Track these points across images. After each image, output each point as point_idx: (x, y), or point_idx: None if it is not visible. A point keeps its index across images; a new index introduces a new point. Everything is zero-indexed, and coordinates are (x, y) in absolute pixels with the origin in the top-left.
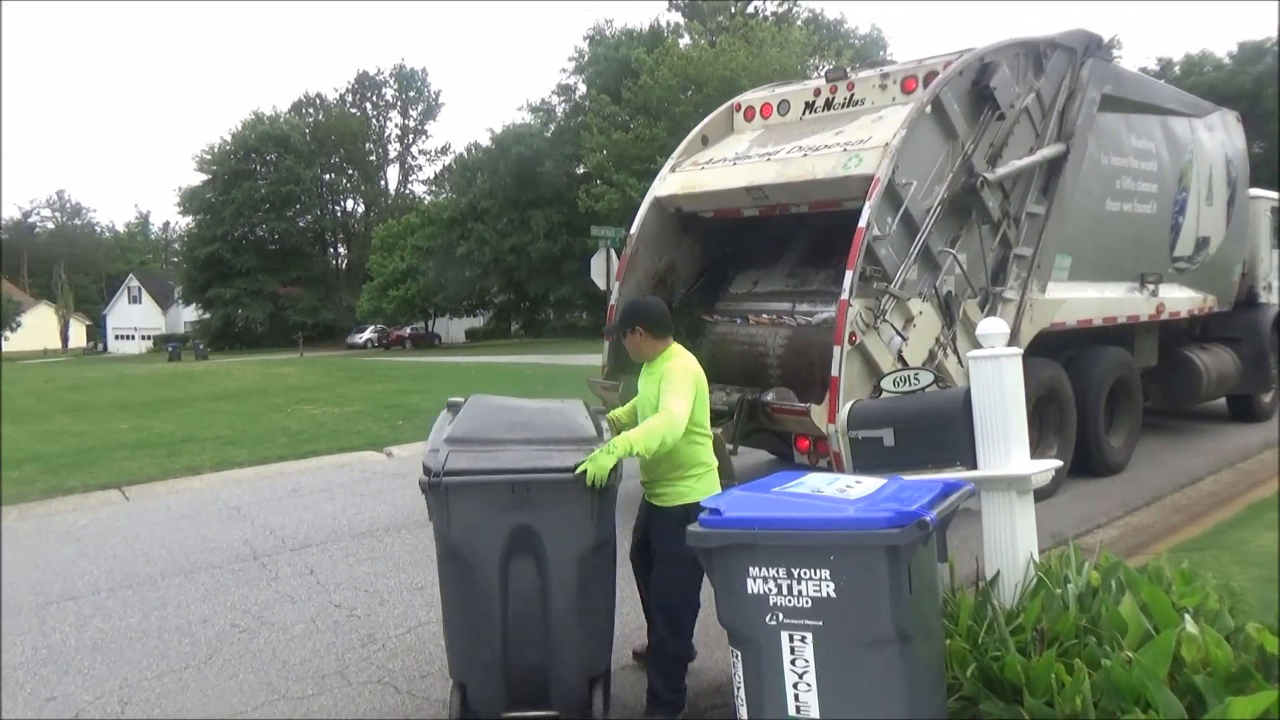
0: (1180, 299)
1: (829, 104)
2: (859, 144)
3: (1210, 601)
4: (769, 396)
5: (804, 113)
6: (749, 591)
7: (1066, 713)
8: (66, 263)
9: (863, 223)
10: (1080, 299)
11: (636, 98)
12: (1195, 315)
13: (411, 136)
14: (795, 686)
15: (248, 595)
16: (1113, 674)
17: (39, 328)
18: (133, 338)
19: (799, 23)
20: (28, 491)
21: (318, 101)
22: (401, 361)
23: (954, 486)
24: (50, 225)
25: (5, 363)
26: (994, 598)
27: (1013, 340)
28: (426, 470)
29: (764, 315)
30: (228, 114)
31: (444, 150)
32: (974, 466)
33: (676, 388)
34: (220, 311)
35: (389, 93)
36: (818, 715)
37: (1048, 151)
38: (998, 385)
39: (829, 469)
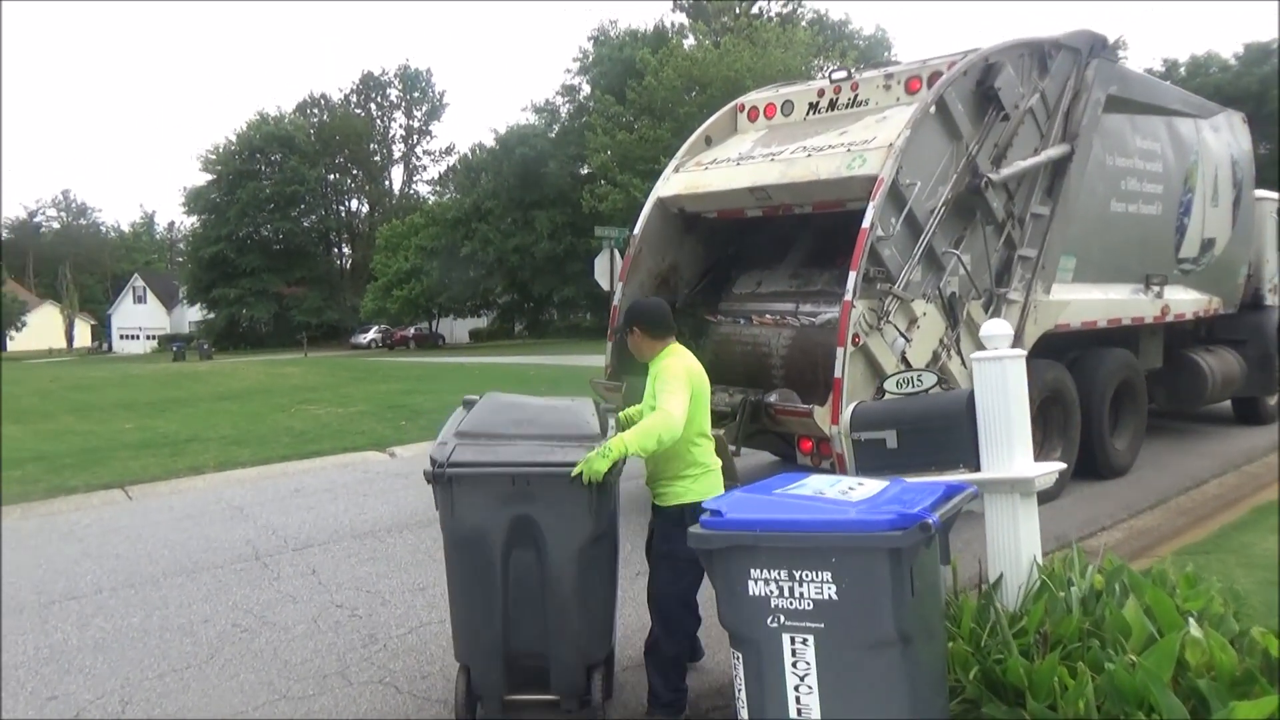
0: (1185, 301)
1: (833, 104)
2: (863, 144)
3: (1215, 605)
4: (772, 398)
5: (808, 113)
6: (750, 593)
7: (1069, 716)
8: (72, 262)
9: (866, 223)
10: (1085, 300)
11: (641, 98)
12: (1200, 317)
13: (416, 137)
14: (796, 689)
15: (250, 595)
16: (1116, 677)
17: (44, 327)
18: (137, 337)
19: (804, 23)
20: (31, 491)
21: (322, 102)
22: (405, 362)
23: (957, 489)
24: (56, 225)
25: (12, 363)
26: (997, 600)
27: (1017, 342)
28: (433, 461)
29: (767, 316)
30: (233, 114)
31: (448, 151)
32: (977, 469)
33: (670, 386)
34: (225, 311)
35: (393, 93)
36: (819, 717)
37: (1052, 152)
38: (1001, 387)
39: (832, 471)
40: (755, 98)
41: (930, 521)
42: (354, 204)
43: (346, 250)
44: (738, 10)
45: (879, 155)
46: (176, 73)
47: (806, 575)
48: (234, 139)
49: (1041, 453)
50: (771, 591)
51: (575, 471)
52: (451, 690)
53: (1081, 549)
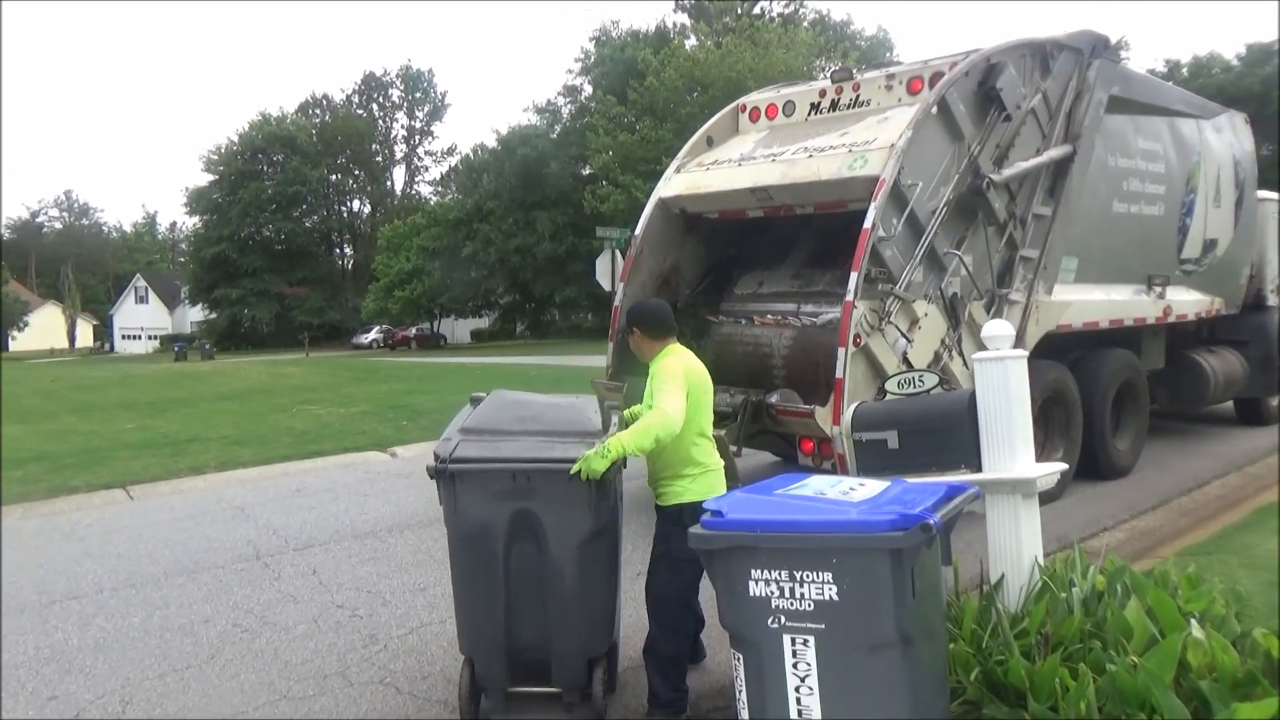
0: (1187, 301)
1: (834, 105)
2: (864, 145)
3: (1217, 606)
4: (773, 398)
5: (809, 114)
6: (751, 594)
7: (1071, 717)
8: (74, 263)
9: (868, 224)
10: (1086, 301)
11: (642, 99)
12: (1203, 318)
13: (418, 137)
14: (797, 690)
15: (250, 595)
16: (1118, 679)
17: (46, 327)
18: (139, 338)
19: (805, 24)
20: (32, 490)
21: (324, 102)
22: (406, 362)
23: (958, 489)
24: (58, 225)
25: (14, 362)
26: (998, 601)
27: (1018, 342)
28: (436, 457)
29: (769, 316)
30: (234, 115)
31: (450, 151)
32: (979, 469)
33: (667, 385)
34: (226, 311)
35: (395, 94)
36: (819, 718)
37: (1054, 153)
38: (1003, 387)
39: (833, 471)
40: (757, 98)
41: (931, 522)
42: (356, 204)
43: (348, 250)
44: (739, 11)
45: (881, 156)
46: (179, 73)
47: (807, 576)
48: (236, 139)
49: (1043, 453)
50: (772, 592)
51: (574, 469)
52: (452, 691)
53: (1083, 550)
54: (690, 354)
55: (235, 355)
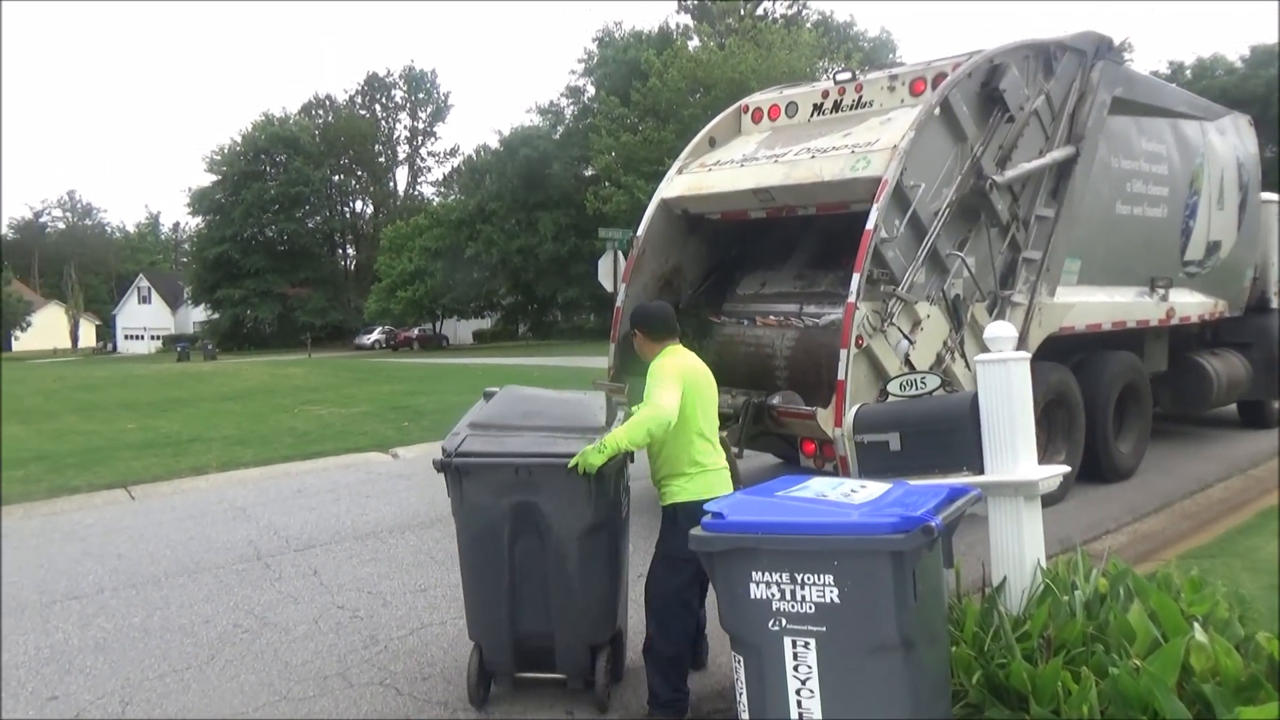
0: (1191, 304)
1: (837, 106)
2: (867, 146)
3: (1220, 609)
4: (775, 400)
5: (812, 115)
6: (752, 596)
7: None
8: (77, 263)
9: (870, 225)
10: (1089, 303)
11: (645, 100)
12: (1206, 320)
13: (420, 138)
14: (798, 693)
15: (251, 596)
16: (1120, 682)
17: (49, 327)
18: (142, 338)
19: (808, 25)
20: (34, 490)
21: (327, 103)
22: (409, 363)
23: (960, 492)
24: (61, 225)
25: (17, 362)
26: (1000, 604)
27: (1021, 344)
28: (444, 451)
29: (771, 317)
30: (238, 115)
31: (453, 152)
32: (981, 471)
33: (660, 381)
34: (229, 312)
35: (398, 94)
36: None
37: (1057, 154)
38: (1005, 389)
39: (835, 473)
40: (759, 99)
41: (933, 525)
42: (358, 205)
43: (351, 251)
44: (742, 12)
45: (883, 157)
46: (182, 74)
47: (808, 578)
48: (239, 140)
49: (1045, 456)
50: (773, 594)
51: (571, 464)
52: (452, 692)
53: (1085, 552)
54: (690, 355)
55: (238, 356)
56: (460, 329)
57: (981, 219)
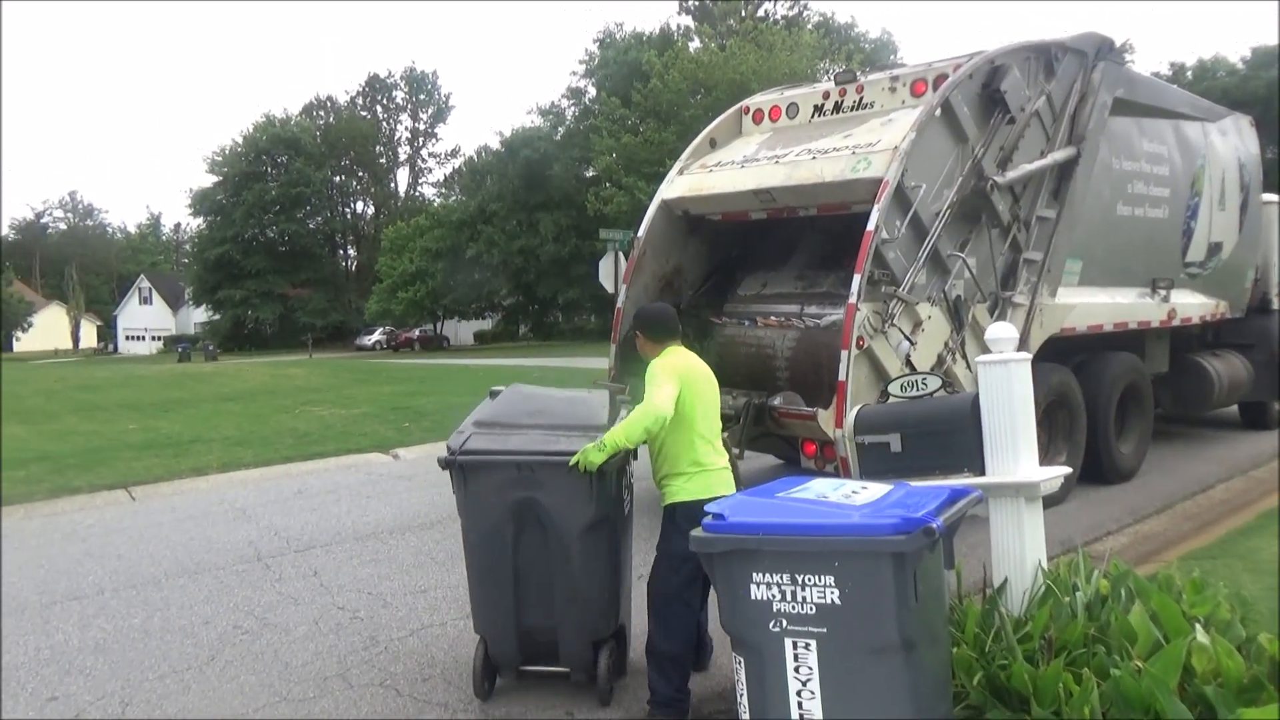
0: (1192, 305)
1: (838, 107)
2: (868, 147)
3: (1221, 611)
4: (776, 400)
5: (813, 115)
6: (752, 597)
7: None
8: (78, 263)
9: (871, 226)
10: (1091, 304)
11: (646, 101)
12: (1207, 321)
13: (421, 139)
14: (799, 694)
15: (251, 597)
16: (1122, 684)
17: (50, 328)
18: (143, 338)
19: (809, 26)
20: (34, 491)
21: (328, 104)
22: (409, 363)
23: (961, 493)
24: (62, 226)
25: (18, 363)
26: (1001, 605)
27: (1022, 345)
28: (449, 449)
29: (772, 318)
30: (239, 116)
31: (454, 153)
32: (982, 472)
33: (655, 379)
34: (230, 313)
35: (399, 95)
36: None
37: (1058, 155)
38: (1006, 390)
39: (836, 474)
40: (760, 100)
41: (934, 526)
42: (359, 206)
43: (352, 252)
44: (743, 13)
45: (884, 158)
46: (183, 75)
47: (809, 579)
48: (240, 141)
49: (1046, 457)
50: (774, 595)
51: (572, 462)
52: (453, 694)
53: (1087, 554)
54: (690, 355)
55: (239, 356)
56: (461, 330)
57: (983, 220)
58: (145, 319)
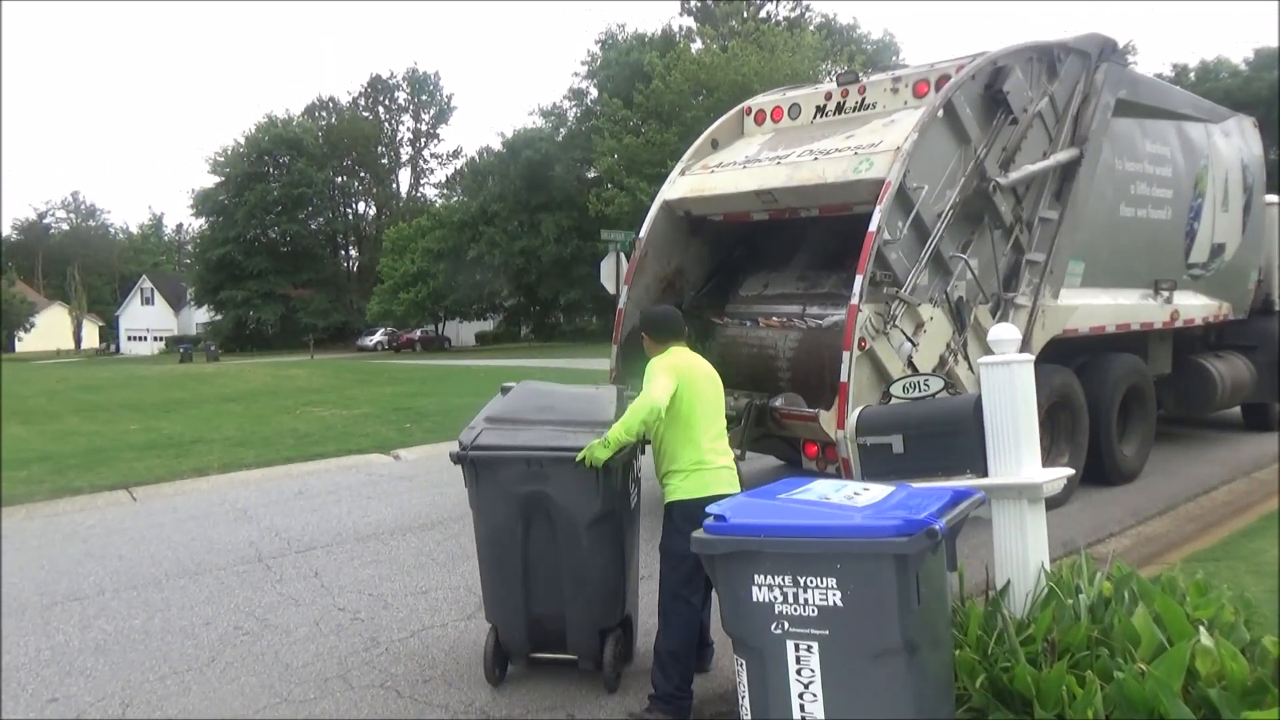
0: (1195, 306)
1: (840, 108)
2: (870, 148)
3: (1225, 613)
4: (777, 402)
5: (815, 116)
6: (754, 599)
7: None
8: (80, 264)
9: (873, 227)
10: (1093, 305)
11: (648, 102)
12: (1210, 323)
13: (423, 140)
14: (801, 696)
15: (252, 598)
16: (1125, 686)
17: (52, 328)
18: (145, 339)
19: (811, 27)
20: (35, 491)
21: (330, 105)
22: (411, 364)
23: (964, 494)
24: (65, 226)
25: (20, 363)
26: (1004, 607)
27: (1024, 347)
28: (460, 444)
29: (774, 318)
30: (241, 117)
31: (455, 154)
32: (984, 474)
33: (653, 375)
34: (232, 313)
35: (401, 96)
36: None
37: (1061, 156)
38: (1009, 392)
39: (837, 475)
40: (762, 101)
41: (937, 527)
42: (361, 207)
43: (353, 253)
44: (745, 14)
45: (886, 159)
46: (185, 75)
47: (811, 581)
48: (242, 141)
49: (1049, 458)
50: (775, 598)
51: (579, 457)
52: (453, 695)
53: (1090, 556)
54: (692, 354)
55: (240, 357)
56: (462, 331)
57: (985, 221)
58: (147, 319)
